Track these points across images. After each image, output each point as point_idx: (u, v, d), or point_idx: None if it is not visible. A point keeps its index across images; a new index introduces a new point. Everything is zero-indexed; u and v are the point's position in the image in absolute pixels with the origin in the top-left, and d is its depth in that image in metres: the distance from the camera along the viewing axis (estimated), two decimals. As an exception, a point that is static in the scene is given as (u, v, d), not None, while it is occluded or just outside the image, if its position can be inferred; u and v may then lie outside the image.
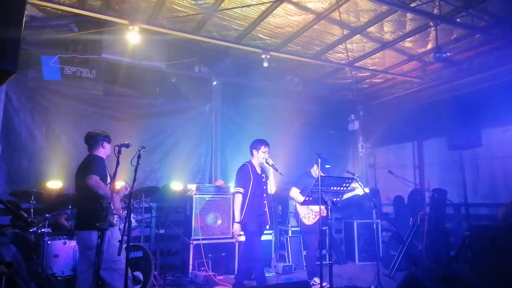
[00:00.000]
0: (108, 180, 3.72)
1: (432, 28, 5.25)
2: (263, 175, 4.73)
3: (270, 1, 5.02)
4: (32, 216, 4.55)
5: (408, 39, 6.01)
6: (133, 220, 4.87)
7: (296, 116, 8.12)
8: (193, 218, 5.70)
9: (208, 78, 7.29)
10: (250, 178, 4.59)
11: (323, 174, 4.50)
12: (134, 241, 4.96)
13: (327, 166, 5.02)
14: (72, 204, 4.82)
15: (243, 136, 7.55)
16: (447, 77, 7.06)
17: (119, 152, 3.37)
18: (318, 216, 5.03)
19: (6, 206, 2.88)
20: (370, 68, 7.13)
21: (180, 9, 5.30)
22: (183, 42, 6.47)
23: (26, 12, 1.61)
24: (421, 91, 7.59)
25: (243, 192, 4.56)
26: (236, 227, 4.53)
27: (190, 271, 5.51)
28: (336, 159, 8.13)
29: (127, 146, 3.52)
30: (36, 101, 5.90)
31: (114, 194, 3.59)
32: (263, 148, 4.66)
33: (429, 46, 6.18)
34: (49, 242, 4.49)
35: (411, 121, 7.71)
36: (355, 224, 7.16)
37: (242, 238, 4.76)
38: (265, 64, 6.04)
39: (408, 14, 5.25)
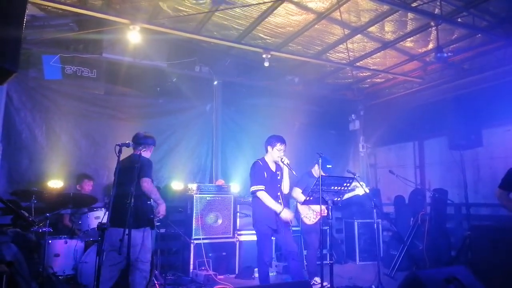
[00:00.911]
0: None
1: (433, 28, 5.24)
2: (277, 173, 4.44)
3: (271, 1, 5.01)
4: (33, 215, 4.55)
5: (409, 39, 6.00)
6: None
7: (297, 116, 8.11)
8: (193, 217, 5.70)
9: (209, 77, 7.29)
10: (264, 175, 4.31)
11: (324, 174, 4.49)
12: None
13: (328, 166, 5.02)
14: (73, 204, 4.82)
15: (244, 135, 7.57)
16: (448, 77, 7.05)
17: (120, 151, 3.39)
18: (319, 216, 5.03)
19: (7, 205, 2.88)
20: (371, 68, 7.12)
21: (181, 8, 5.30)
22: (184, 41, 6.47)
23: (27, 12, 1.61)
24: (422, 91, 7.59)
25: (264, 188, 4.24)
26: (285, 213, 4.18)
27: (191, 271, 5.51)
28: (337, 159, 8.12)
29: (128, 145, 3.55)
30: (36, 100, 5.91)
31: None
32: (278, 146, 4.34)
33: (430, 46, 6.17)
34: (50, 242, 4.49)
35: (412, 121, 7.70)
36: (355, 223, 7.16)
37: (244, 238, 4.76)
38: (266, 64, 6.05)
39: (409, 14, 5.24)
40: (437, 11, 5.04)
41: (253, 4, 5.11)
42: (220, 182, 6.58)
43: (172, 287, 5.18)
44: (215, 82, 7.36)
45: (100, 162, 6.22)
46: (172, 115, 7.06)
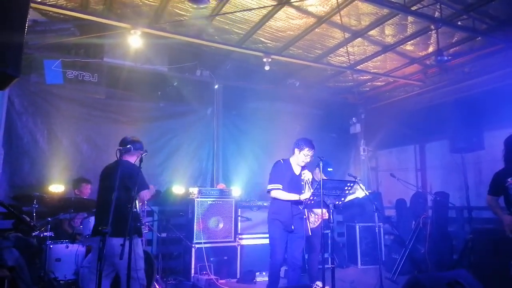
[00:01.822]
0: None
1: (433, 31, 5.25)
2: (302, 178, 4.31)
3: (272, 5, 5.03)
4: (34, 220, 4.55)
5: (409, 42, 6.01)
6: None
7: (297, 119, 8.11)
8: (195, 221, 5.68)
9: (209, 81, 7.31)
10: (283, 174, 4.20)
11: (325, 178, 4.48)
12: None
13: (329, 169, 5.01)
14: (74, 208, 4.82)
15: (245, 139, 7.58)
16: (448, 80, 7.05)
17: (121, 155, 3.39)
18: (321, 220, 5.02)
19: (9, 210, 2.89)
20: (372, 71, 7.13)
21: (182, 13, 5.32)
22: (184, 45, 6.49)
23: (29, 17, 1.62)
24: (422, 94, 7.59)
25: (281, 188, 4.14)
26: (305, 195, 4.06)
27: (192, 275, 5.49)
28: (338, 162, 8.11)
29: (129, 150, 3.54)
30: (38, 105, 5.93)
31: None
32: (306, 151, 4.21)
33: (431, 49, 6.18)
34: (51, 246, 4.48)
35: (413, 124, 7.70)
36: (357, 227, 7.14)
37: (245, 242, 4.72)
38: (267, 68, 6.06)
39: (409, 17, 5.25)
40: (437, 14, 5.06)
41: (254, 9, 5.13)
42: (221, 186, 6.57)
43: (173, 291, 5.18)
44: (216, 86, 7.37)
45: (101, 166, 6.11)
46: (173, 119, 7.08)
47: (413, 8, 4.90)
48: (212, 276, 5.34)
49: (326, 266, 3.88)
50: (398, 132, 8.13)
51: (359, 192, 5.03)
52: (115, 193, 3.16)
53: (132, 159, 3.69)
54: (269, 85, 7.75)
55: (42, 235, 4.44)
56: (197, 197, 5.80)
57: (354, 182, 4.22)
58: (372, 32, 5.74)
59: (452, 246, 6.08)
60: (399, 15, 5.18)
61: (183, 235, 5.73)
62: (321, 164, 4.24)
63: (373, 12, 5.23)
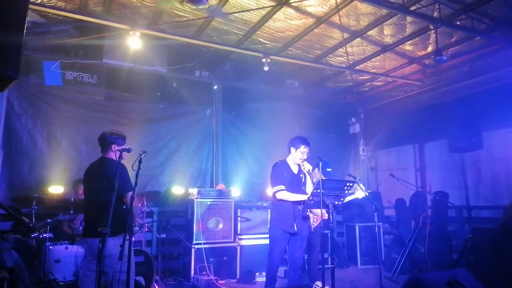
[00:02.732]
0: None
1: (432, 31, 5.26)
2: (301, 176, 4.31)
3: (270, 6, 5.04)
4: (33, 221, 4.54)
5: (408, 42, 6.02)
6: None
7: (297, 119, 8.11)
8: (194, 222, 5.68)
9: (209, 82, 7.31)
10: (284, 175, 4.19)
11: (324, 178, 4.49)
12: (136, 246, 4.95)
13: (328, 169, 5.01)
14: (74, 209, 4.82)
15: (244, 140, 7.59)
16: (447, 79, 7.07)
17: (120, 156, 3.39)
18: (320, 220, 5.02)
19: (8, 211, 2.88)
20: (371, 71, 7.14)
21: (181, 14, 5.32)
22: (183, 46, 6.49)
23: (28, 18, 1.62)
24: (421, 93, 7.60)
25: (284, 188, 4.12)
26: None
27: (192, 276, 5.49)
28: (337, 163, 8.12)
29: (129, 150, 3.54)
30: (37, 106, 5.93)
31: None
32: (302, 148, 4.20)
33: (429, 49, 6.19)
34: (50, 247, 4.46)
35: (412, 123, 7.71)
36: (357, 227, 7.14)
37: (245, 242, 4.72)
38: (266, 68, 6.07)
39: (408, 17, 5.26)
40: (436, 14, 5.07)
41: (253, 9, 5.13)
42: (221, 186, 6.57)
43: (173, 292, 5.18)
44: (215, 87, 7.37)
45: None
46: (173, 120, 7.08)
47: (412, 8, 4.91)
48: (212, 277, 5.35)
49: (326, 266, 3.88)
50: (397, 132, 8.14)
51: (359, 193, 5.03)
52: (114, 194, 3.16)
53: (115, 155, 3.53)
54: (268, 85, 7.76)
55: (41, 236, 4.43)
56: (197, 198, 5.80)
57: (354, 182, 4.22)
58: (371, 32, 5.75)
59: (452, 246, 6.09)
60: (398, 15, 5.19)
61: (182, 236, 5.73)
62: (320, 164, 4.25)
63: (372, 12, 5.24)
